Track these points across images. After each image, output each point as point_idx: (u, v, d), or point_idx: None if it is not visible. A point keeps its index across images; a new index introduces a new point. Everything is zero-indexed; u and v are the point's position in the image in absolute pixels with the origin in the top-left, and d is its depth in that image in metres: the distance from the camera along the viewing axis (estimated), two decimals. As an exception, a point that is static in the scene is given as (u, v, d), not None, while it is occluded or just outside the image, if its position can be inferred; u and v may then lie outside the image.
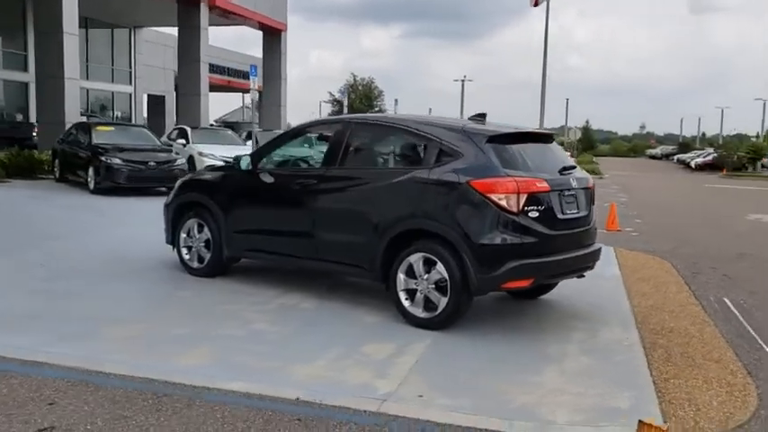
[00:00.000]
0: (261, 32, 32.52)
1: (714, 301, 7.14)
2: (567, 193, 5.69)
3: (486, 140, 5.55)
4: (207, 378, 4.32)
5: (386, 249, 5.73)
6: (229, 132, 22.22)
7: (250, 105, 62.70)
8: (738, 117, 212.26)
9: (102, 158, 14.46)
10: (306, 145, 7.42)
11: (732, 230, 14.04)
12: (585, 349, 5.35)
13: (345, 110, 42.76)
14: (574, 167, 6.11)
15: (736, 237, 12.96)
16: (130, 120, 35.07)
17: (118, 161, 14.48)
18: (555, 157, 6.04)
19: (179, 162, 15.43)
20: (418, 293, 5.59)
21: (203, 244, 7.09)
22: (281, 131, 30.34)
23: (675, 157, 65.81)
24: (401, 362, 4.80)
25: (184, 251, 7.27)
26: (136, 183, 14.68)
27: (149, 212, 12.67)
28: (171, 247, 7.46)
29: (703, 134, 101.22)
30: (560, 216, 5.58)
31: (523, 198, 5.31)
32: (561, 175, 5.80)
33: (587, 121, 79.39)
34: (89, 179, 14.62)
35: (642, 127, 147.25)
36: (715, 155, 53.15)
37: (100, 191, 14.35)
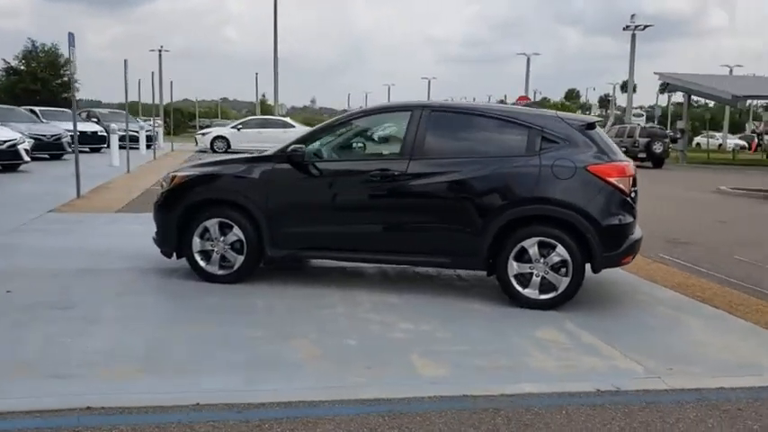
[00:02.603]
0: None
1: (664, 260, 8.49)
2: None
3: (585, 128, 5.97)
4: (485, 386, 4.12)
5: (495, 237, 5.82)
6: (21, 109, 18.38)
7: None
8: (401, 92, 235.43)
9: None
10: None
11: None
12: (671, 307, 6.18)
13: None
14: None
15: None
16: None
17: None
18: (611, 142, 6.66)
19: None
20: (534, 277, 5.81)
21: (229, 246, 6.29)
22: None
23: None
24: (591, 342, 5.05)
25: (199, 257, 6.35)
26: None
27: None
28: (167, 253, 6.48)
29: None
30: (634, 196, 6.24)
31: (630, 180, 5.88)
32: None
33: (264, 95, 79.04)
34: None
35: (313, 101, 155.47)
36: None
37: None
